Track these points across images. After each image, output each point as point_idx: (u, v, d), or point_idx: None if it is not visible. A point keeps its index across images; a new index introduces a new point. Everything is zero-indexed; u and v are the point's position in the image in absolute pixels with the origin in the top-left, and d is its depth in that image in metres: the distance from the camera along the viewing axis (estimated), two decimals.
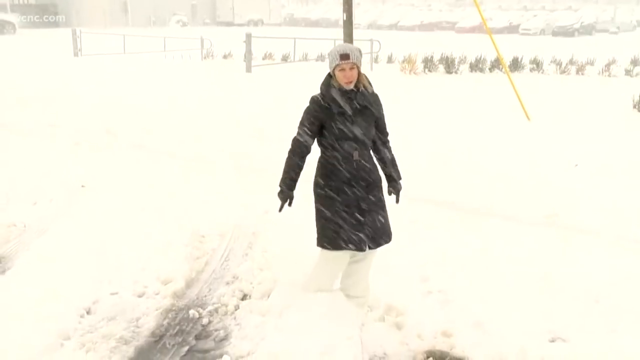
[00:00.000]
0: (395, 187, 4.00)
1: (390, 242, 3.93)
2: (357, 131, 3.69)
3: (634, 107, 11.62)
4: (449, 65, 18.18)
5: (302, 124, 3.78)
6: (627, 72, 17.45)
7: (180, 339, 3.94)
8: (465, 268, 4.82)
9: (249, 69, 18.79)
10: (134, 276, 4.63)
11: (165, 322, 4.13)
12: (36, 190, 6.42)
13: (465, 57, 19.39)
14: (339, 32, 12.14)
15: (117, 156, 8.15)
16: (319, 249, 3.88)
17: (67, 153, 8.22)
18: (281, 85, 15.25)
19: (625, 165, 7.57)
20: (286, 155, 3.83)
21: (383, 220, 3.86)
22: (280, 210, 3.85)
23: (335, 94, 3.69)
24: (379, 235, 3.82)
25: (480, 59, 18.53)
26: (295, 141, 3.78)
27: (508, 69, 13.28)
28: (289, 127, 4.26)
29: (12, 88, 13.77)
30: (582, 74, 17.72)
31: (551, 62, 19.04)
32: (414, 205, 6.35)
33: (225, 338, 3.94)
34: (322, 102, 3.70)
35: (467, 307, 4.20)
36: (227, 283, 4.71)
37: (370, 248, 3.81)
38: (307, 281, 4.06)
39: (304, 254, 4.02)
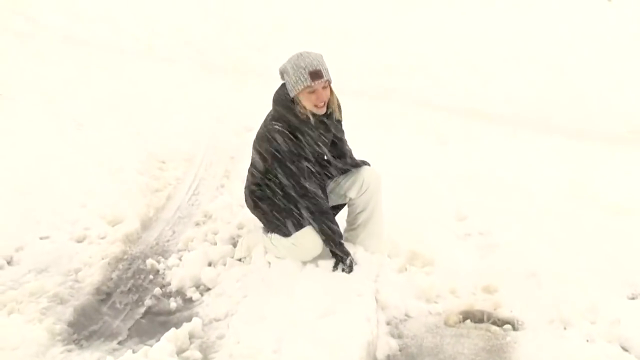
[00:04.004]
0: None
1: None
2: (322, 153, 3.90)
3: None
4: None
5: (291, 175, 3.75)
6: None
7: (134, 297, 3.94)
8: (514, 200, 4.79)
9: None
10: (71, 214, 4.58)
11: (114, 275, 4.11)
12: None
13: None
14: None
15: (41, 51, 7.97)
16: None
17: None
18: None
19: None
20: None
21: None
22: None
23: (301, 123, 3.69)
24: (352, 161, 4.12)
25: None
26: (311, 201, 3.78)
27: None
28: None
29: None
30: None
31: None
32: (444, 119, 6.31)
33: (194, 295, 3.94)
34: (290, 136, 3.67)
35: (517, 254, 4.18)
36: (197, 224, 4.69)
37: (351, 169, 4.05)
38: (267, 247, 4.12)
39: None
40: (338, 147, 4.05)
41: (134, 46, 8.51)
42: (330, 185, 4.02)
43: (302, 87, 3.58)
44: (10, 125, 5.78)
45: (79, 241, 4.39)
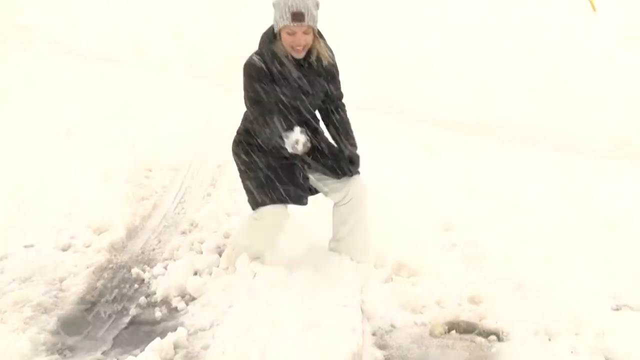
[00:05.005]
0: (344, 157, 3.96)
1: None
2: (301, 104, 3.76)
3: None
4: None
5: (253, 104, 3.67)
6: None
7: (119, 307, 3.94)
8: (501, 211, 4.81)
9: None
10: (56, 223, 4.60)
11: (99, 285, 4.11)
12: None
13: None
14: None
15: (32, 61, 7.98)
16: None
17: None
18: None
19: None
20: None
21: (341, 152, 3.98)
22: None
23: (278, 61, 3.64)
24: (344, 164, 3.95)
25: None
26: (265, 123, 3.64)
27: None
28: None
29: None
30: None
31: None
32: (436, 130, 6.34)
33: (180, 305, 3.94)
34: (264, 68, 3.62)
35: (504, 265, 4.20)
36: (183, 232, 4.70)
37: (341, 177, 3.93)
38: (235, 248, 4.13)
39: None
40: (326, 108, 3.97)
41: (127, 54, 8.51)
42: (315, 175, 3.99)
43: (282, 25, 3.54)
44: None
45: (64, 250, 4.41)
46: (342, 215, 4.04)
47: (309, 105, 3.82)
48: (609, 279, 4.09)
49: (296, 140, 3.44)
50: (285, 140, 3.48)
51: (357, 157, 3.99)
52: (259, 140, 3.80)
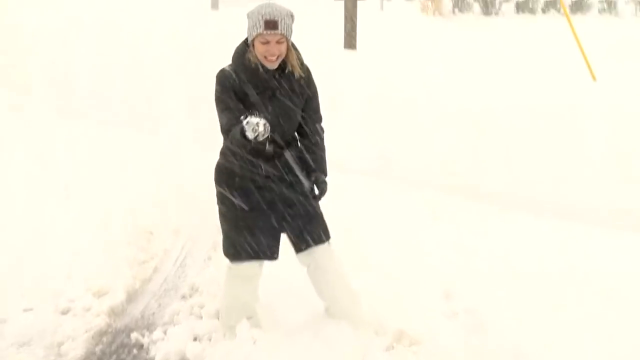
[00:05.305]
0: (314, 178, 3.95)
1: (328, 240, 3.97)
2: (274, 119, 3.64)
3: None
4: (488, 3, 18.10)
5: (222, 111, 3.65)
6: None
7: None
8: (502, 278, 4.82)
9: (215, 6, 18.78)
10: (55, 286, 4.59)
11: (97, 350, 4.10)
12: None
13: None
14: None
15: (27, 120, 8.11)
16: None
17: None
18: None
19: None
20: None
21: (310, 215, 3.93)
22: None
23: (250, 71, 3.64)
24: (307, 232, 3.90)
25: None
26: (228, 132, 3.61)
27: (568, 11, 13.18)
28: None
29: None
30: None
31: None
32: (429, 195, 6.40)
33: None
34: (234, 77, 3.63)
35: (505, 333, 4.18)
36: (183, 297, 4.70)
37: (301, 250, 3.91)
38: (221, 310, 4.16)
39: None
40: (301, 131, 3.93)
41: (125, 115, 8.64)
42: (287, 229, 3.94)
43: (255, 33, 3.53)
44: None
45: (64, 313, 4.41)
46: (316, 286, 4.05)
47: (282, 121, 3.73)
48: (609, 348, 4.07)
49: (257, 122, 3.30)
50: (245, 127, 3.30)
51: (325, 184, 3.96)
52: (234, 158, 3.79)
